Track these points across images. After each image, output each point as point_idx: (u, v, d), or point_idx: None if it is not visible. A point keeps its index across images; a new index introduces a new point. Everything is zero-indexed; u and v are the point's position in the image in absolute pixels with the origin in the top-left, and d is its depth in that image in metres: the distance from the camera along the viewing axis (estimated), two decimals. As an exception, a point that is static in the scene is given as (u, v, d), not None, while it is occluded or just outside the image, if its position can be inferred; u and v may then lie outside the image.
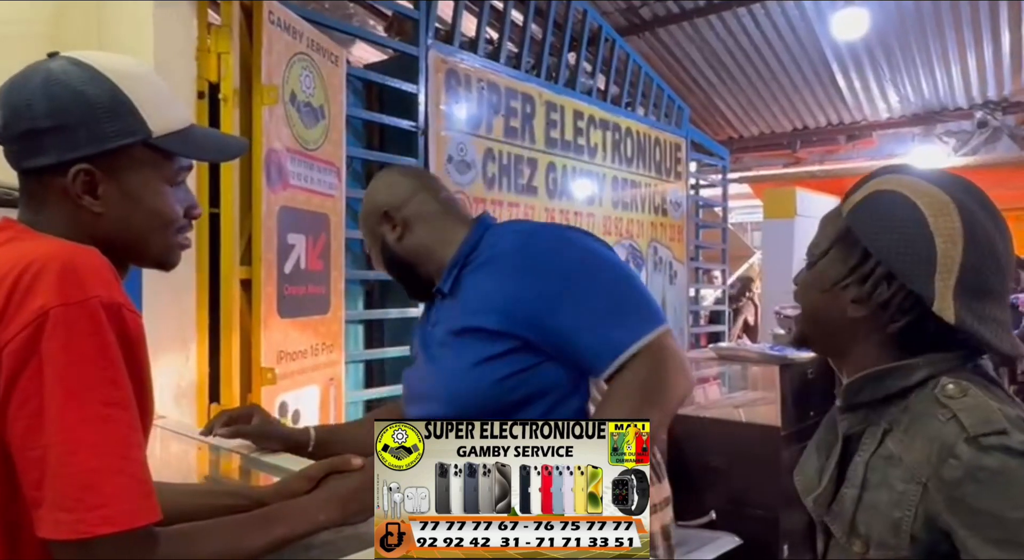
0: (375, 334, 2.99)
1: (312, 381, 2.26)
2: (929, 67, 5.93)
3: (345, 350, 2.49)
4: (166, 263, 0.91)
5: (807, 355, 4.17)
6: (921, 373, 0.87)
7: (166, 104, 0.87)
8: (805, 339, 1.00)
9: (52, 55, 0.84)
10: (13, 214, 1.38)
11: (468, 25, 3.38)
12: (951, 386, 0.84)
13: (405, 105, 2.97)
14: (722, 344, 4.55)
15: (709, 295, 6.32)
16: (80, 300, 0.70)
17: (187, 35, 1.90)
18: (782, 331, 4.76)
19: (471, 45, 3.36)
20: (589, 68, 4.30)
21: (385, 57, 3.44)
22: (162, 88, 0.88)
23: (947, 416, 0.82)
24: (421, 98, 2.98)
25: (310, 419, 2.21)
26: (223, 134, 1.13)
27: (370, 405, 2.84)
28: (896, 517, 0.84)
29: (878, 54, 5.77)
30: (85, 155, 0.80)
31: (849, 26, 5.12)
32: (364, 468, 0.98)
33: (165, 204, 0.87)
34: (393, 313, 2.87)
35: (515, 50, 3.64)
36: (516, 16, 3.68)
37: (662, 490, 1.38)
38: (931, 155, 6.80)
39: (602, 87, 4.32)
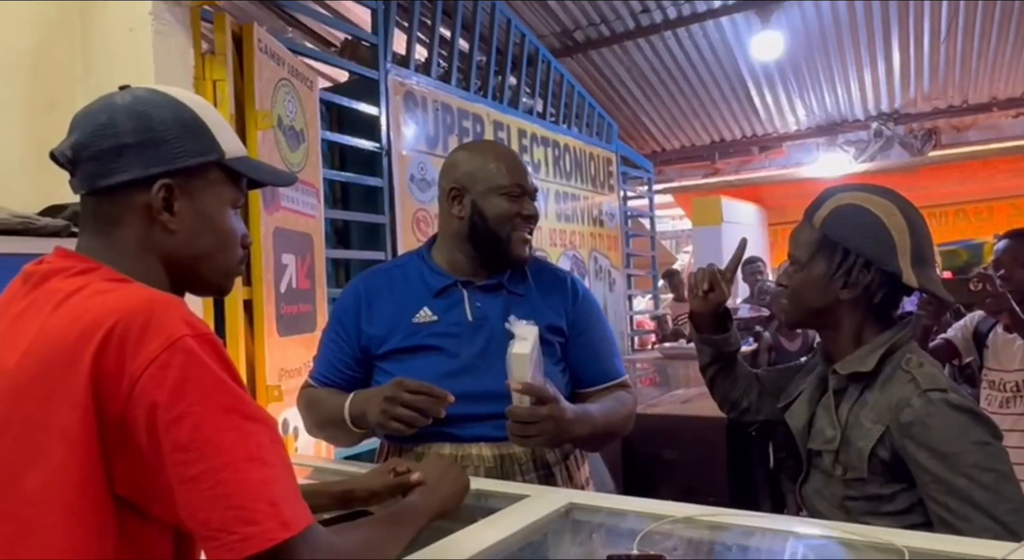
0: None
1: (306, 397, 2.32)
2: (831, 83, 6.45)
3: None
4: (223, 287, 0.93)
5: (746, 349, 4.48)
6: (888, 345, 1.21)
7: (230, 131, 0.92)
8: (799, 323, 1.36)
9: (124, 87, 0.89)
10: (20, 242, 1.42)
11: (415, 50, 3.50)
12: (913, 359, 1.20)
13: (366, 126, 3.07)
14: (667, 344, 4.80)
15: (640, 302, 6.61)
16: (203, 331, 0.75)
17: (185, 65, 1.96)
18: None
19: (424, 68, 3.48)
20: (528, 89, 4.49)
21: (333, 82, 3.52)
22: (224, 119, 0.94)
23: (908, 378, 1.17)
24: (383, 119, 3.09)
25: (305, 435, 2.26)
26: (272, 166, 1.20)
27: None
28: (860, 447, 1.18)
29: (788, 73, 6.24)
30: (167, 170, 0.83)
31: (766, 48, 5.53)
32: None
33: (228, 225, 0.89)
34: (369, 328, 2.94)
35: (463, 72, 3.78)
36: (462, 44, 3.83)
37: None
38: (834, 162, 7.35)
39: (540, 107, 4.52)
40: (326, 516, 1.16)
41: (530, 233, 1.48)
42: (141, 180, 0.82)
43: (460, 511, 1.10)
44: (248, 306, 2.08)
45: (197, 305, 1.99)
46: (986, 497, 1.08)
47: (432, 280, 1.47)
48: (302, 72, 2.47)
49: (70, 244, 0.87)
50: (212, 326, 2.02)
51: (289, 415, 2.19)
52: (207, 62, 2.02)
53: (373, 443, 2.86)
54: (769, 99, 6.75)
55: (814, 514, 1.29)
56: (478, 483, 1.26)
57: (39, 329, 0.74)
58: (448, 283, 1.46)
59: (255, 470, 0.70)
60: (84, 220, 0.86)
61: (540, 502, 1.17)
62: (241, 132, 2.07)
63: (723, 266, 1.48)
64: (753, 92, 6.59)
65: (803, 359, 4.45)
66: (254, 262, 2.07)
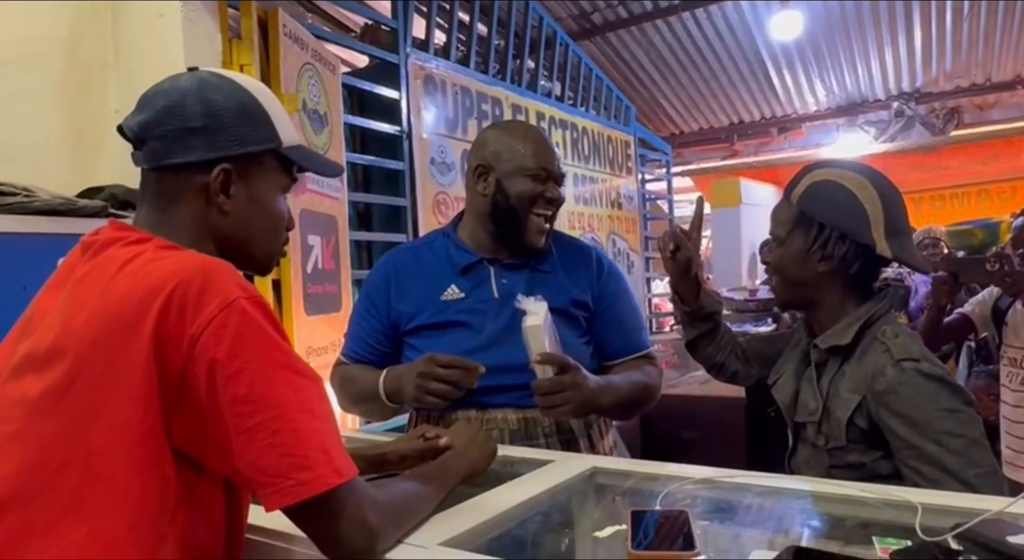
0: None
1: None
2: (851, 63, 6.39)
3: (355, 345, 2.62)
4: (267, 267, 0.99)
5: (765, 330, 4.50)
6: (866, 318, 1.26)
7: (287, 120, 0.95)
8: (787, 302, 1.40)
9: (192, 69, 0.94)
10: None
11: (434, 34, 3.53)
12: (889, 331, 1.24)
13: (387, 110, 3.10)
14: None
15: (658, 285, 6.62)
16: (254, 294, 0.79)
17: (213, 50, 2.00)
18: (728, 312, 5.07)
19: (444, 52, 3.51)
20: (547, 72, 4.50)
21: (352, 67, 3.55)
22: (282, 106, 0.98)
23: (883, 349, 1.22)
24: (403, 103, 3.12)
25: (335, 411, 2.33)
26: (325, 156, 1.25)
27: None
28: (839, 416, 1.23)
29: (807, 52, 6.19)
30: (228, 155, 0.87)
31: (785, 27, 5.49)
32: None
33: (279, 210, 0.95)
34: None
35: (482, 56, 3.80)
36: (481, 28, 3.84)
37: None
38: (854, 143, 7.28)
39: (558, 90, 4.53)
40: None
41: (549, 220, 1.50)
42: (203, 162, 0.87)
43: (487, 475, 1.15)
44: (276, 286, 2.14)
45: (228, 284, 2.05)
46: (956, 462, 1.12)
47: (458, 257, 1.51)
48: (325, 56, 2.51)
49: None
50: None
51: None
52: (234, 47, 2.06)
53: (402, 420, 2.93)
54: (788, 79, 6.69)
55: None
56: (504, 450, 1.30)
57: (102, 292, 0.79)
58: (474, 260, 1.50)
59: (307, 421, 0.75)
60: (144, 194, 0.91)
61: (564, 467, 1.21)
62: (268, 115, 2.12)
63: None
64: (772, 72, 6.54)
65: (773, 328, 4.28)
66: (282, 243, 2.12)
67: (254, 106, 0.90)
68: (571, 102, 4.61)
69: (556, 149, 1.54)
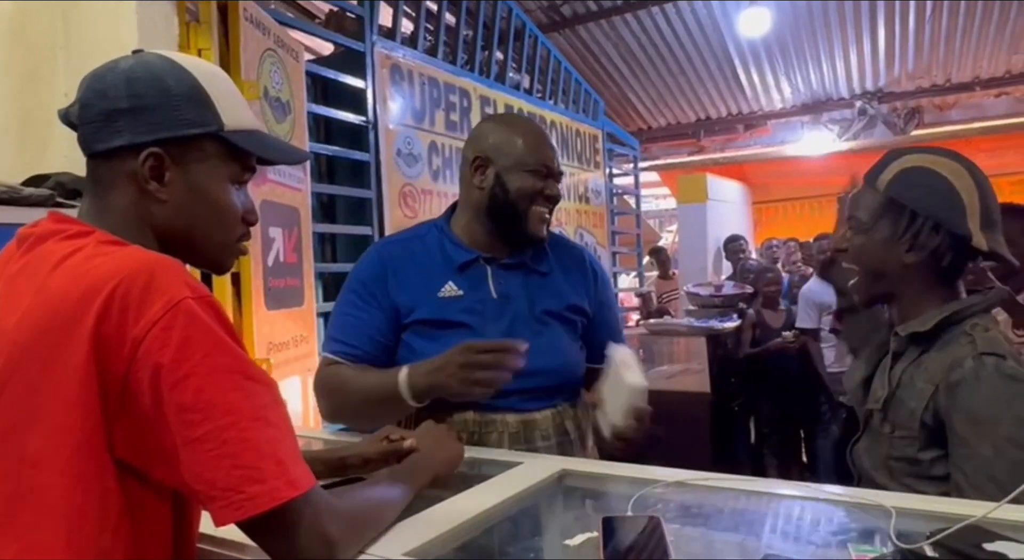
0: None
1: (295, 372, 2.32)
2: (817, 62, 6.47)
3: (317, 341, 2.55)
4: (221, 264, 0.91)
5: (730, 325, 4.53)
6: (955, 310, 1.17)
7: (239, 104, 0.88)
8: (869, 296, 1.28)
9: (136, 52, 0.87)
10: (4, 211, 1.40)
11: (401, 23, 3.46)
12: (979, 325, 1.15)
13: (352, 99, 3.03)
14: (652, 320, 4.83)
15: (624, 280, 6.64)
16: (204, 293, 0.73)
17: (169, 33, 1.92)
18: (694, 307, 5.10)
19: (411, 41, 3.44)
20: (515, 64, 4.46)
21: (317, 55, 3.47)
22: (235, 89, 0.91)
23: (968, 341, 1.13)
24: (369, 93, 3.05)
25: (294, 408, 2.27)
26: (287, 143, 1.17)
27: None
28: (912, 407, 1.15)
29: (774, 50, 6.24)
30: (158, 139, 0.80)
31: (753, 24, 5.52)
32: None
33: (227, 200, 0.87)
34: (356, 303, 2.93)
35: (450, 46, 3.75)
36: (449, 17, 3.79)
37: None
38: (818, 141, 7.39)
39: (527, 83, 4.49)
40: (321, 483, 1.17)
41: (549, 213, 1.45)
42: (131, 146, 0.81)
43: (453, 478, 1.11)
44: (236, 279, 2.07)
45: (184, 278, 1.98)
46: (1006, 473, 1.03)
47: (455, 254, 1.44)
48: (288, 43, 2.44)
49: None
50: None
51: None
52: (191, 31, 1.98)
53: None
54: (755, 77, 6.75)
55: (861, 472, 1.29)
56: (471, 451, 1.27)
57: (37, 290, 0.73)
58: (471, 258, 1.44)
59: (260, 429, 0.70)
60: (85, 183, 0.86)
61: (533, 469, 1.18)
62: (227, 103, 2.04)
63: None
64: (739, 70, 6.59)
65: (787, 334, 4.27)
66: (242, 235, 2.05)
67: (191, 87, 0.83)
68: (539, 95, 4.58)
69: (555, 145, 1.51)
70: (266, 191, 2.19)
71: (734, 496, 1.09)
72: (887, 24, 5.88)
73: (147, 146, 0.81)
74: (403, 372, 1.31)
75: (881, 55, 6.37)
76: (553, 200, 1.45)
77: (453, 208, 1.52)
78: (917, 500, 0.98)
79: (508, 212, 1.41)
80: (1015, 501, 0.80)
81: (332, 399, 1.42)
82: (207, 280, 2.00)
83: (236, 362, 0.72)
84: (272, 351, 2.15)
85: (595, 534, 0.89)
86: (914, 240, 1.17)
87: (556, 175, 1.46)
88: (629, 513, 0.97)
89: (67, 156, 1.75)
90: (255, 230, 2.11)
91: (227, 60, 2.07)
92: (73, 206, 1.55)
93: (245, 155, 0.89)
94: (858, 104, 7.10)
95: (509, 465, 1.22)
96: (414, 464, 1.05)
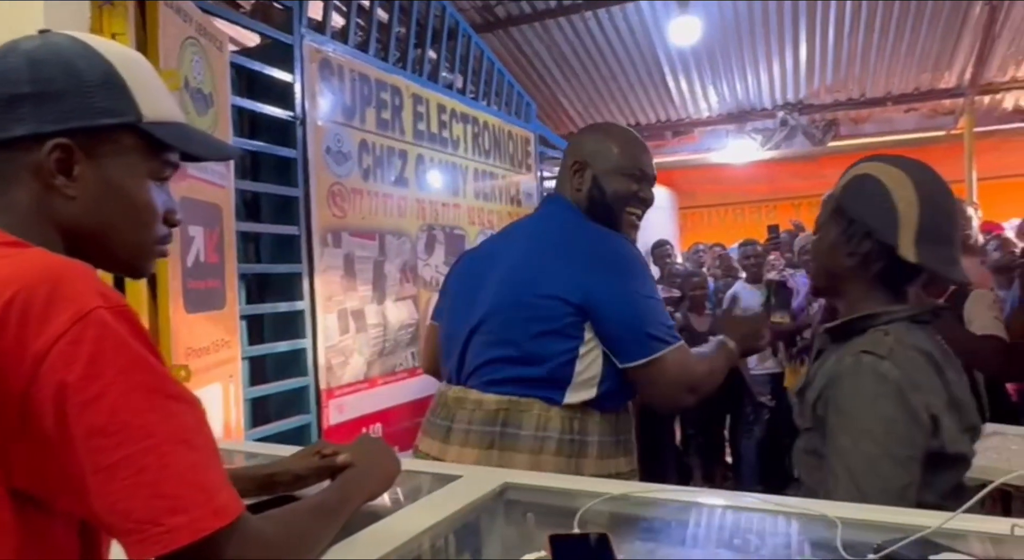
0: (255, 330, 2.91)
1: (215, 379, 2.19)
2: (742, 72, 6.64)
3: (240, 346, 2.43)
4: (138, 268, 0.83)
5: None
6: (872, 312, 1.22)
7: (160, 93, 0.81)
8: (819, 288, 1.40)
9: (43, 32, 0.78)
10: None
11: (331, 16, 3.36)
12: (891, 328, 1.18)
13: (279, 94, 2.91)
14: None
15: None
16: (118, 302, 0.67)
17: (79, 16, 1.78)
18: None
19: (342, 36, 3.34)
20: (448, 63, 4.40)
21: (242, 47, 3.32)
22: (156, 77, 0.83)
23: (864, 341, 1.18)
24: (297, 87, 2.94)
25: (215, 418, 2.15)
26: (214, 137, 1.07)
27: (256, 404, 2.78)
28: (808, 398, 1.23)
29: (703, 59, 6.38)
30: (66, 129, 0.73)
31: (683, 32, 5.62)
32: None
33: (144, 198, 0.79)
34: (283, 307, 2.81)
35: (382, 43, 3.66)
36: (381, 13, 3.70)
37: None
38: (742, 149, 7.60)
39: (460, 83, 4.44)
40: (247, 503, 1.09)
41: (640, 217, 1.59)
42: (36, 136, 0.73)
43: (392, 493, 1.06)
44: (152, 280, 1.94)
45: (94, 278, 1.84)
46: (860, 464, 1.08)
47: None
48: (211, 32, 2.31)
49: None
50: (111, 301, 1.89)
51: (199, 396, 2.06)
52: (104, 14, 1.84)
53: (286, 425, 2.74)
54: (684, 85, 6.88)
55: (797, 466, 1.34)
56: (409, 464, 1.22)
57: None
58: None
59: (182, 454, 0.63)
60: None
61: (473, 482, 1.14)
62: (144, 92, 1.91)
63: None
64: (669, 77, 6.70)
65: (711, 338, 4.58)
66: (158, 233, 1.92)
67: (106, 72, 0.75)
68: (472, 95, 4.52)
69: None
70: (186, 187, 2.06)
71: (679, 508, 1.07)
72: (808, 39, 6.09)
73: (53, 136, 0.73)
74: (729, 343, 1.58)
75: (803, 68, 6.60)
76: (647, 203, 1.59)
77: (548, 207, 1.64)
78: (862, 510, 0.98)
79: (604, 213, 1.53)
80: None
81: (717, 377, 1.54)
82: (120, 280, 1.87)
83: (155, 379, 0.65)
84: (191, 357, 2.03)
85: (543, 554, 0.85)
86: (848, 245, 1.23)
87: (651, 179, 1.59)
88: (576, 530, 0.94)
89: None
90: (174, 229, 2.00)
91: (144, 47, 1.94)
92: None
93: (166, 149, 0.80)
94: (780, 115, 7.34)
95: (448, 478, 1.17)
96: (349, 481, 0.98)
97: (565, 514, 1.00)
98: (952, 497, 1.09)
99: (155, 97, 0.79)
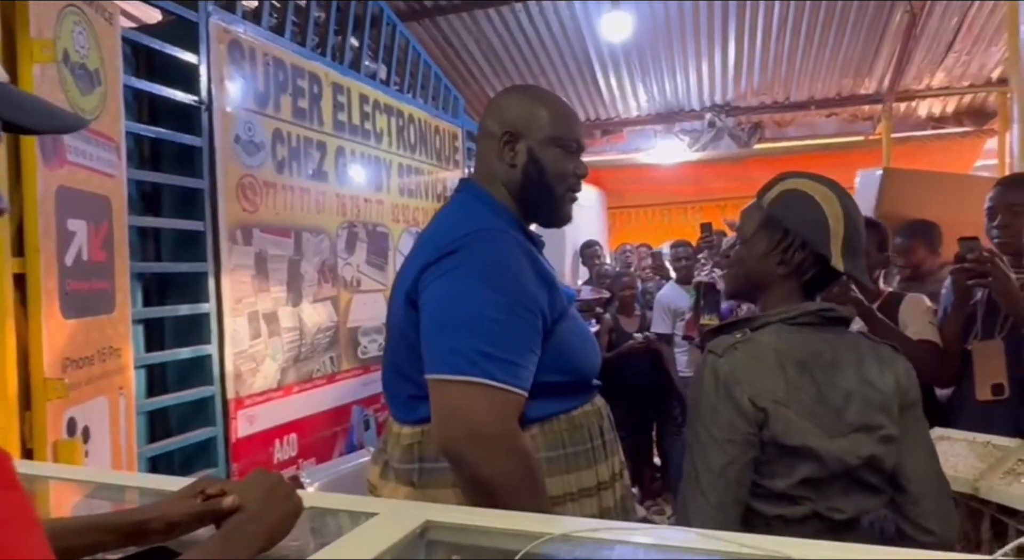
0: (155, 334, 2.65)
1: (101, 391, 1.94)
2: (672, 72, 6.64)
3: (133, 353, 2.18)
4: None
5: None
6: (761, 319, 1.32)
7: None
8: (736, 292, 1.49)
9: None
10: None
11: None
12: (760, 326, 1.30)
13: (183, 76, 2.66)
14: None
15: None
16: None
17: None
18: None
19: (254, 17, 3.10)
20: (371, 52, 4.18)
21: (140, 24, 3.04)
22: None
23: (717, 340, 1.31)
24: (203, 69, 2.69)
25: (101, 435, 1.90)
26: (50, 103, 0.85)
27: (154, 417, 2.53)
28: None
29: (633, 57, 6.33)
30: None
31: (614, 28, 5.54)
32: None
33: None
34: (184, 309, 2.56)
35: (299, 27, 3.42)
36: (300, -10, 3.46)
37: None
38: (670, 149, 7.62)
39: (383, 74, 4.23)
40: (112, 558, 0.90)
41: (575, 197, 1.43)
42: None
43: (294, 537, 0.89)
44: (20, 281, 1.68)
45: (-54, 279, 1.58)
46: (694, 447, 1.27)
47: (528, 235, 1.41)
48: (99, 1, 2.05)
49: None
50: (-32, 306, 1.63)
51: (76, 413, 1.82)
52: (-38, -29, 1.59)
53: (188, 439, 2.50)
54: (614, 83, 6.83)
55: None
56: (314, 499, 1.04)
57: None
58: (535, 237, 1.42)
59: None
60: None
61: (390, 521, 0.97)
62: (10, 63, 1.66)
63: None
64: (599, 74, 6.64)
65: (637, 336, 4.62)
66: (27, 228, 1.67)
67: None
68: (397, 87, 4.32)
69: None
70: (64, 175, 1.81)
71: (629, 550, 0.93)
72: (737, 40, 6.13)
73: None
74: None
75: (731, 70, 6.65)
76: (583, 178, 1.40)
77: (470, 188, 1.39)
78: (823, 548, 0.87)
79: (543, 193, 1.36)
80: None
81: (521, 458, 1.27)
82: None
83: None
84: (70, 369, 1.77)
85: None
86: (784, 254, 1.32)
87: (583, 150, 1.41)
88: (511, 584, 0.79)
89: None
90: (47, 223, 1.75)
91: (11, 12, 1.68)
92: None
93: None
94: (708, 116, 7.39)
95: (360, 517, 1.00)
96: (238, 528, 0.81)
97: (498, 557, 0.85)
98: (808, 487, 1.22)
99: None
